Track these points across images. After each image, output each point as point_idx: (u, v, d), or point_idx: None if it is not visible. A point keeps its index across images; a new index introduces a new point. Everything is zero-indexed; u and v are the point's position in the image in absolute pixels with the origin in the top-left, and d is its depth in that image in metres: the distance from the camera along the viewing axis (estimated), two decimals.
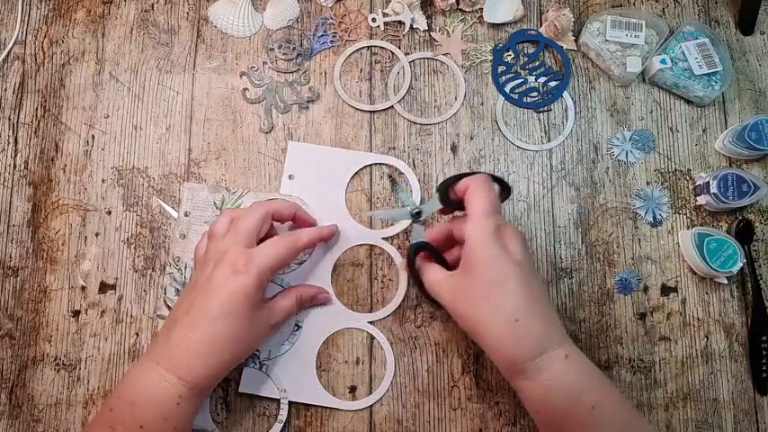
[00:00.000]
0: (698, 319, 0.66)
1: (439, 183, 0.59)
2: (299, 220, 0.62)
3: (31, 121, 0.69)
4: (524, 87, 0.71)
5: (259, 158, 0.69)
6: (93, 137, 0.69)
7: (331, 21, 0.73)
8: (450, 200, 0.57)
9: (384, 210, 0.66)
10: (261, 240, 0.57)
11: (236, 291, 0.52)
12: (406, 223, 0.67)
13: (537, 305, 0.51)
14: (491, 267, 0.51)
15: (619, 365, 0.65)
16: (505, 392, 0.64)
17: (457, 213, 0.60)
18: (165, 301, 0.65)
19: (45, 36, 0.72)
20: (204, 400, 0.54)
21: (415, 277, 0.59)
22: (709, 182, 0.66)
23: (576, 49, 0.72)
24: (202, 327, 0.52)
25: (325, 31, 0.73)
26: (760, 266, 0.67)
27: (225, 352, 0.52)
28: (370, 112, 0.71)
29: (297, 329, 0.64)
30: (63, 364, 0.64)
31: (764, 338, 0.65)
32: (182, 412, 0.51)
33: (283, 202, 0.61)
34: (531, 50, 0.73)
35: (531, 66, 0.72)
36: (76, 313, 0.65)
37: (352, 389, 0.64)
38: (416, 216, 0.59)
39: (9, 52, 0.71)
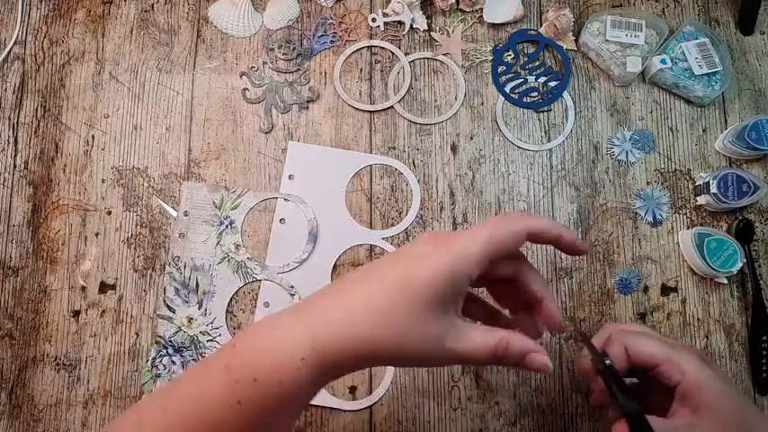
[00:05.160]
0: (698, 319, 0.66)
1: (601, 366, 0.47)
2: (564, 246, 0.45)
3: (31, 121, 0.69)
4: (524, 87, 0.71)
5: (259, 158, 0.69)
6: (93, 137, 0.69)
7: (331, 21, 0.73)
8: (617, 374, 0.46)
9: None
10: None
11: (418, 272, 0.39)
12: (406, 223, 0.68)
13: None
14: (731, 410, 0.45)
15: None
16: (505, 392, 0.64)
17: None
18: (164, 301, 0.65)
19: (45, 36, 0.72)
20: (322, 386, 0.41)
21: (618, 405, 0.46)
22: (709, 182, 0.66)
23: (575, 49, 0.72)
24: (361, 289, 0.41)
25: (325, 31, 0.73)
26: (760, 266, 0.67)
27: (368, 334, 0.39)
28: (370, 112, 0.71)
29: None
30: (63, 364, 0.64)
31: (764, 338, 0.65)
32: (298, 382, 0.39)
33: (549, 222, 0.44)
34: (531, 50, 0.73)
35: (531, 66, 0.72)
36: (76, 313, 0.65)
37: (352, 389, 0.64)
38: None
39: (9, 52, 0.71)
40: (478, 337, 0.41)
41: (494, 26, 0.73)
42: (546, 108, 0.71)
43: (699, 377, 0.44)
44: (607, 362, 0.46)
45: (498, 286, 0.46)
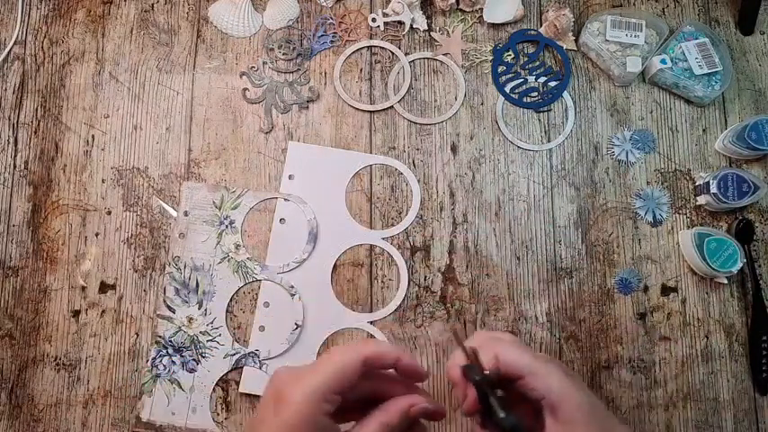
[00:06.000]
0: (698, 319, 0.66)
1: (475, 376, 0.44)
2: (401, 369, 0.45)
3: (31, 121, 0.69)
4: (524, 87, 0.71)
5: (259, 158, 0.69)
6: (93, 137, 0.69)
7: (331, 21, 0.73)
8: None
9: None
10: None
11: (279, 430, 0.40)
12: (406, 223, 0.68)
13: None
14: (595, 419, 0.44)
15: (619, 365, 0.65)
16: None
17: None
18: (164, 301, 0.65)
19: (45, 36, 0.72)
20: None
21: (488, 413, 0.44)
22: (709, 182, 0.66)
23: (575, 49, 0.72)
24: None
25: (325, 31, 0.73)
26: (760, 266, 0.67)
27: None
28: (370, 112, 0.71)
29: (297, 329, 0.64)
30: (63, 364, 0.64)
31: (764, 338, 0.65)
32: None
33: (387, 344, 0.45)
34: (531, 50, 0.73)
35: (531, 66, 0.72)
36: (76, 313, 0.65)
37: None
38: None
39: (9, 52, 0.71)
40: None
41: (494, 26, 0.73)
42: (546, 108, 0.71)
43: (564, 391, 0.43)
44: (486, 372, 0.43)
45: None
